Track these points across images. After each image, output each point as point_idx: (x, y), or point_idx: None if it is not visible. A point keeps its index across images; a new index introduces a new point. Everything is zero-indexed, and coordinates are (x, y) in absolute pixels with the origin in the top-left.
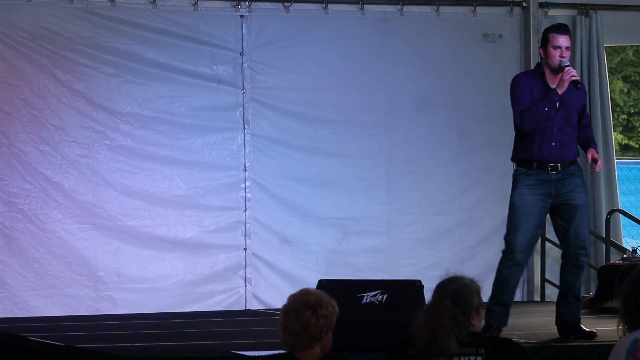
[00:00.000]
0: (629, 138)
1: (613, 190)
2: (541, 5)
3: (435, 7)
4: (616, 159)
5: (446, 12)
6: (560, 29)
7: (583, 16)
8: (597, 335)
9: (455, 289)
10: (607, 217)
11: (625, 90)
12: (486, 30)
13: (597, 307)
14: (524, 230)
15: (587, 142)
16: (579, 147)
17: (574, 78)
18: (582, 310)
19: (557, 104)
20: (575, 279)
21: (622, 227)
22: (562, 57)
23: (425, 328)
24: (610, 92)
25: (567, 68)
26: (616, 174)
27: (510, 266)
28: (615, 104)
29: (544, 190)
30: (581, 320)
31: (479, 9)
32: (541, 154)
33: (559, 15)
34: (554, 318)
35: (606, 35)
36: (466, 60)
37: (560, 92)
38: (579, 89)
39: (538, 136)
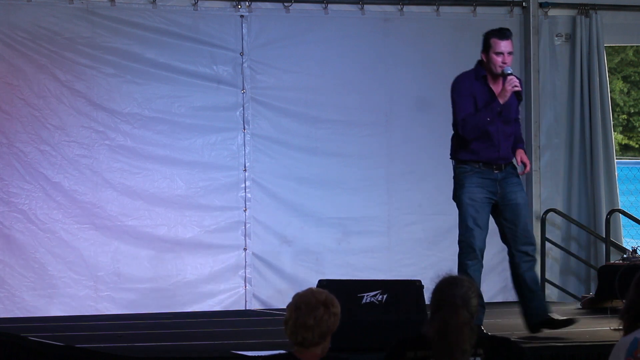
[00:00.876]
0: (629, 138)
1: (613, 190)
2: (541, 5)
3: (435, 7)
4: (616, 159)
5: (446, 12)
6: (502, 33)
7: (583, 16)
8: (576, 321)
9: (463, 295)
10: (607, 217)
11: (625, 90)
12: (486, 30)
13: (597, 307)
14: (479, 228)
15: (516, 141)
16: None
17: (516, 89)
18: (582, 310)
19: (499, 112)
20: (530, 268)
21: (622, 227)
22: (505, 63)
23: (449, 342)
24: (610, 92)
25: (509, 77)
26: (616, 174)
27: (477, 267)
28: (615, 104)
29: (491, 189)
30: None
31: (479, 9)
32: (487, 157)
33: (559, 15)
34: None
35: (606, 35)
36: (466, 60)
37: (502, 101)
38: (521, 100)
39: (482, 142)
